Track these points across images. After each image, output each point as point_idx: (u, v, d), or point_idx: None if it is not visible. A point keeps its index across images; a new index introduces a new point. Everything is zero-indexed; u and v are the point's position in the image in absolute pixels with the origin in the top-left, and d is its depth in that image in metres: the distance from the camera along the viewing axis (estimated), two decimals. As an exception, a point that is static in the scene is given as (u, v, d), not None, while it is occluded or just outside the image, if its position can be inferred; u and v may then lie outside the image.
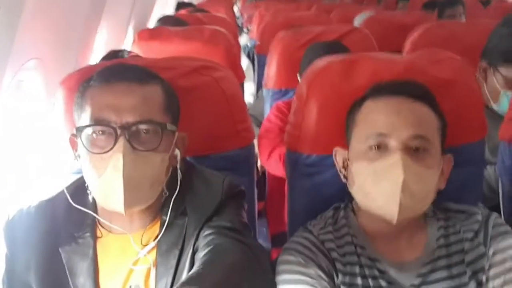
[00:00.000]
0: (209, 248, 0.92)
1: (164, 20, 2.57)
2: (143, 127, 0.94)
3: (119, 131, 0.92)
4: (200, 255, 0.93)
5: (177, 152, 1.02)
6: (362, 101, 1.06)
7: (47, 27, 1.19)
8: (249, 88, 3.09)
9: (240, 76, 2.08)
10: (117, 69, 0.99)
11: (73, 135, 0.99)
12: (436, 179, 1.00)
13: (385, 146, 0.98)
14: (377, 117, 1.00)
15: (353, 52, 1.92)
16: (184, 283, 0.81)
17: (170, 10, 4.17)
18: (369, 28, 2.88)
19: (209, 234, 0.96)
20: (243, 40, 4.19)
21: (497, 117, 1.51)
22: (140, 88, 0.96)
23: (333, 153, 1.10)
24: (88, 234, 1.00)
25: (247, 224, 1.05)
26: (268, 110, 2.10)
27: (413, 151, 0.97)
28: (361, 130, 1.03)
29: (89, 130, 0.94)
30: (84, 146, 0.94)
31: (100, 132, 0.93)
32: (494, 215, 1.07)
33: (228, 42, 2.02)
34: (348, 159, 1.06)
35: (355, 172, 1.02)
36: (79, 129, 0.95)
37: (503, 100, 1.53)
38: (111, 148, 0.91)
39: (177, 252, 0.98)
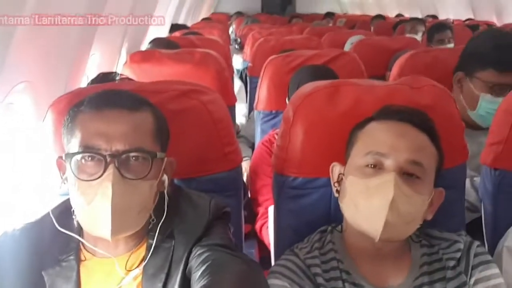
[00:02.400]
0: (207, 264, 0.92)
1: (156, 42, 2.60)
2: (132, 154, 0.95)
3: (109, 159, 0.92)
4: (198, 273, 0.92)
5: (165, 177, 1.03)
6: (368, 121, 1.09)
7: (37, 51, 1.21)
8: (241, 110, 3.13)
9: (231, 99, 2.11)
10: (108, 96, 1.00)
11: (60, 157, 1.00)
12: (424, 207, 1.02)
13: (381, 165, 1.01)
14: (380, 137, 1.04)
15: (340, 78, 1.98)
16: None
17: (164, 32, 4.22)
18: (358, 52, 2.92)
19: (202, 253, 0.96)
20: (236, 62, 4.25)
21: (472, 133, 1.56)
22: (130, 115, 0.97)
23: (330, 167, 1.12)
24: (72, 257, 1.00)
25: (236, 243, 1.07)
26: (259, 132, 2.13)
27: (407, 175, 1.00)
28: (361, 147, 1.06)
29: (78, 157, 0.94)
30: (73, 172, 0.95)
31: (89, 158, 0.94)
32: (476, 243, 1.09)
33: (219, 65, 2.05)
34: (343, 174, 1.08)
35: (348, 185, 1.05)
36: (68, 155, 0.96)
37: (481, 103, 1.57)
38: (100, 176, 0.92)
39: (163, 276, 0.98)
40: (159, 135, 1.02)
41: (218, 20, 8.38)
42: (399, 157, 1.00)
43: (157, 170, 0.99)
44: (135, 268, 1.00)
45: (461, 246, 1.08)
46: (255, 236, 1.88)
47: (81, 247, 1.02)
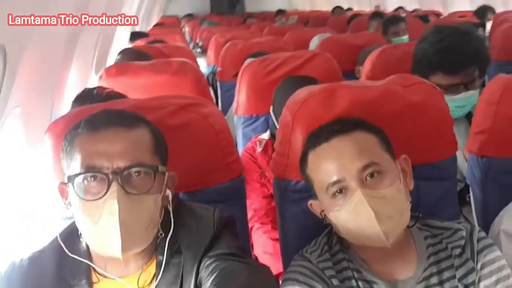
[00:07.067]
0: (216, 274, 0.93)
1: (126, 53, 2.55)
2: (134, 170, 0.95)
3: (111, 177, 0.93)
4: (207, 284, 0.93)
5: (168, 192, 1.03)
6: (305, 156, 1.11)
7: (29, 74, 1.17)
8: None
9: (210, 106, 2.11)
10: (104, 116, 1.00)
11: (62, 183, 0.99)
12: (402, 191, 1.05)
13: (345, 188, 1.03)
14: (324, 167, 1.05)
15: (317, 79, 2.02)
16: None
17: (125, 42, 4.13)
18: (326, 50, 3.00)
19: (211, 263, 0.97)
20: (200, 66, 4.21)
21: None
22: (128, 133, 0.97)
23: (308, 204, 1.14)
24: (84, 281, 0.99)
25: (244, 249, 1.07)
26: (240, 136, 2.14)
27: (370, 178, 1.03)
28: (318, 184, 1.08)
29: (80, 178, 0.94)
30: (77, 194, 0.94)
31: (92, 178, 0.94)
32: (477, 229, 1.15)
33: (196, 73, 2.05)
34: (323, 210, 1.09)
35: (334, 220, 1.07)
36: (71, 178, 0.95)
37: None
38: (105, 194, 0.92)
39: None
40: (157, 150, 1.02)
41: (170, 24, 8.27)
42: (353, 171, 1.02)
43: (160, 184, 1.00)
44: (147, 287, 1.00)
45: (464, 233, 1.13)
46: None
47: (92, 269, 1.01)
